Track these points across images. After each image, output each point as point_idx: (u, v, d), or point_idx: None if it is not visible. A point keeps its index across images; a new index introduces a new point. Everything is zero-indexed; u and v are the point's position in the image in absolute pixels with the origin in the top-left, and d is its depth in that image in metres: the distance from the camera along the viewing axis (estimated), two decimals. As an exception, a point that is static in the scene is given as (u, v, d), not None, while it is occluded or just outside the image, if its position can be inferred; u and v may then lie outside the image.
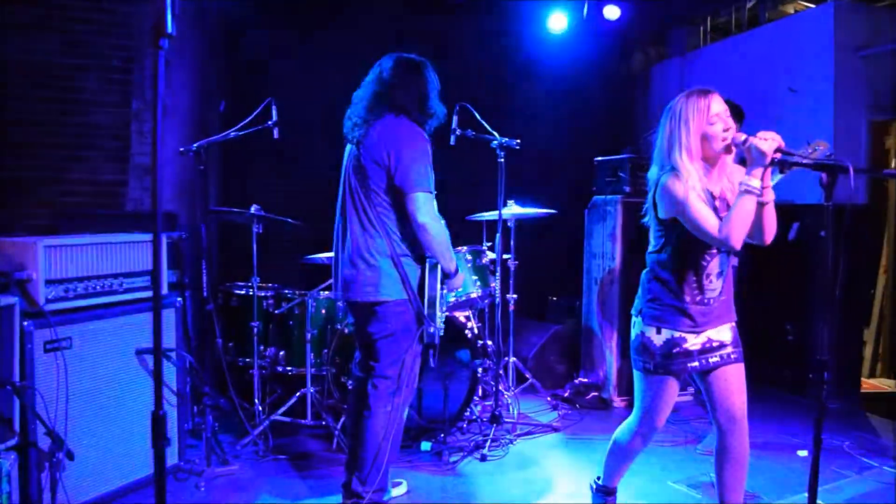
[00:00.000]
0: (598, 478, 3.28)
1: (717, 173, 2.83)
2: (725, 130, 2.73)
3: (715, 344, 2.83)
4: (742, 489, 2.93)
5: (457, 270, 3.31)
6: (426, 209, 3.09)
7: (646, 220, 2.96)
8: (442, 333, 3.30)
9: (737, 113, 4.49)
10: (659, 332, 2.85)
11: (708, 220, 2.68)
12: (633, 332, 2.96)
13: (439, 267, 3.22)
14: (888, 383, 5.93)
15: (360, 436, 3.19)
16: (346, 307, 3.47)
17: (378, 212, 3.14)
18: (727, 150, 2.76)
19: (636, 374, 2.97)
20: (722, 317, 2.87)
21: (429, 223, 3.08)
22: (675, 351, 2.82)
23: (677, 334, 2.82)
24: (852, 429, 4.75)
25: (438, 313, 3.21)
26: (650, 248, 2.96)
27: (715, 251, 2.79)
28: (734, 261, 4.47)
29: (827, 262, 2.32)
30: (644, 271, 2.97)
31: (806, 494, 2.43)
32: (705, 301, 2.82)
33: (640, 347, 2.90)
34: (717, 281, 2.83)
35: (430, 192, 3.13)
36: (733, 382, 2.85)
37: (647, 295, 2.91)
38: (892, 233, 6.16)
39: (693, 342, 2.82)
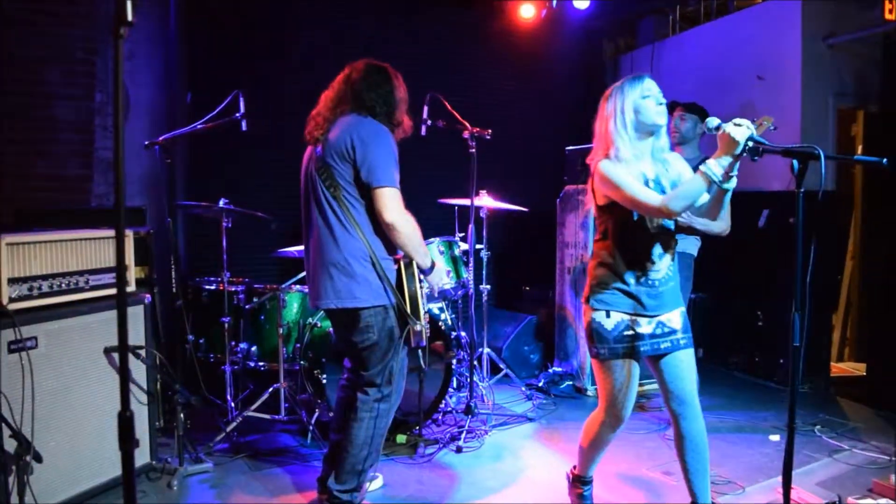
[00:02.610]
0: (574, 467, 3.30)
1: (652, 157, 2.92)
2: (658, 104, 2.83)
3: (666, 329, 2.89)
4: (707, 471, 2.99)
5: (433, 265, 3.23)
6: (393, 206, 2.96)
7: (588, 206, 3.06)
8: (428, 332, 3.25)
9: (703, 114, 4.54)
10: (608, 315, 2.88)
11: (645, 192, 2.75)
12: (585, 320, 2.99)
13: (415, 264, 3.14)
14: (856, 367, 6.02)
15: (345, 438, 3.14)
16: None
17: (350, 211, 3.01)
18: (652, 133, 2.87)
19: (594, 364, 2.99)
20: (671, 303, 2.92)
21: (397, 220, 2.96)
22: (627, 333, 2.87)
23: (627, 317, 2.87)
24: (822, 412, 4.83)
25: (422, 311, 3.13)
26: (594, 237, 3.03)
27: (655, 232, 2.86)
28: (692, 249, 4.51)
29: (797, 249, 2.33)
30: (591, 260, 3.02)
31: (780, 479, 2.44)
32: (650, 283, 2.86)
33: (593, 334, 2.92)
34: (660, 262, 2.87)
35: (397, 188, 3.00)
36: (684, 368, 2.92)
37: (594, 281, 2.95)
38: (858, 219, 6.25)
39: (644, 326, 2.87)
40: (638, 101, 2.83)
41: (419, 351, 3.28)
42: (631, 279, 2.86)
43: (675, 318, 2.92)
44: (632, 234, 2.85)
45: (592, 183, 2.94)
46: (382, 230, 3.04)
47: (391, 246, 3.09)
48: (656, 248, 2.87)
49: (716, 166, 2.61)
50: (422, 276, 3.21)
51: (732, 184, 2.70)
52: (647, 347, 2.87)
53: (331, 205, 3.03)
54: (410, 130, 3.29)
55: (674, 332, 2.90)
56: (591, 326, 2.92)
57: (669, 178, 2.92)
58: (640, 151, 2.87)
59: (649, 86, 2.85)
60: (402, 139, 3.22)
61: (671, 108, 4.73)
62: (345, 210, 3.01)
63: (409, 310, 3.07)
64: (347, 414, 3.19)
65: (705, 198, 2.77)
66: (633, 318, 2.87)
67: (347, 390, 3.31)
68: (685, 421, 2.92)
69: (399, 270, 3.11)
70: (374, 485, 3.62)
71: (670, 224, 2.92)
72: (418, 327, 3.10)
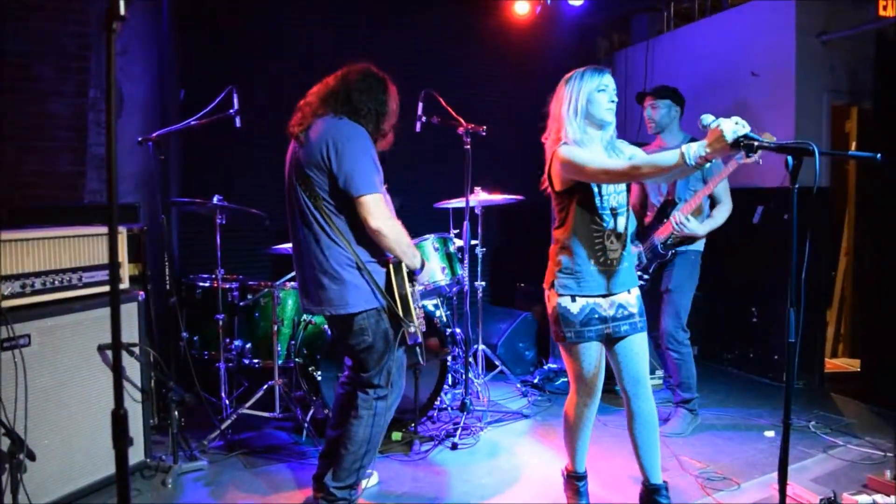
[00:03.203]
0: (567, 464, 3.33)
1: (602, 146, 2.98)
2: (610, 101, 2.93)
3: (625, 312, 3.01)
4: (657, 450, 3.12)
5: (423, 265, 3.24)
6: (377, 212, 2.94)
7: (544, 188, 3.12)
8: (424, 330, 3.25)
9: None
10: (574, 300, 2.96)
11: (611, 161, 2.87)
12: (550, 306, 3.05)
13: (404, 265, 3.13)
14: (850, 363, 6.04)
15: (344, 436, 3.14)
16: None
17: (331, 219, 3.00)
18: (603, 126, 2.96)
19: (560, 348, 3.08)
20: (626, 282, 3.02)
21: (383, 226, 2.95)
22: (592, 317, 2.96)
23: (592, 301, 2.96)
24: (817, 408, 4.84)
25: (414, 312, 3.13)
26: (553, 225, 3.09)
27: (610, 212, 2.95)
28: (699, 245, 4.51)
29: (791, 245, 2.33)
30: (552, 245, 3.09)
31: (775, 475, 2.45)
32: (608, 262, 2.96)
33: (559, 318, 2.99)
34: (617, 242, 2.98)
35: (379, 193, 2.97)
36: (638, 351, 3.05)
37: (556, 266, 3.02)
38: (852, 215, 6.27)
39: (606, 309, 2.98)
40: (592, 93, 2.91)
41: (416, 348, 3.28)
42: (592, 262, 2.95)
43: (632, 299, 3.04)
44: (591, 216, 2.94)
45: (550, 168, 2.99)
46: (367, 235, 3.02)
47: (377, 249, 3.08)
48: (614, 228, 2.97)
49: (696, 147, 2.55)
50: (412, 278, 3.21)
51: (695, 168, 2.61)
52: (609, 330, 2.99)
53: (313, 214, 3.02)
54: (390, 145, 3.27)
55: (632, 315, 3.02)
56: (557, 311, 2.99)
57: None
58: (588, 139, 2.95)
59: (607, 81, 2.93)
60: (383, 149, 3.22)
61: (640, 98, 4.73)
62: (327, 219, 3.00)
63: (400, 311, 3.07)
64: (347, 411, 3.20)
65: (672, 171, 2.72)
66: (597, 300, 2.96)
67: (347, 388, 3.32)
68: (638, 400, 3.06)
69: (388, 273, 3.11)
70: (370, 482, 3.61)
71: (624, 204, 3.01)
72: (412, 328, 3.11)
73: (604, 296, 2.98)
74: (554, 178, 3.00)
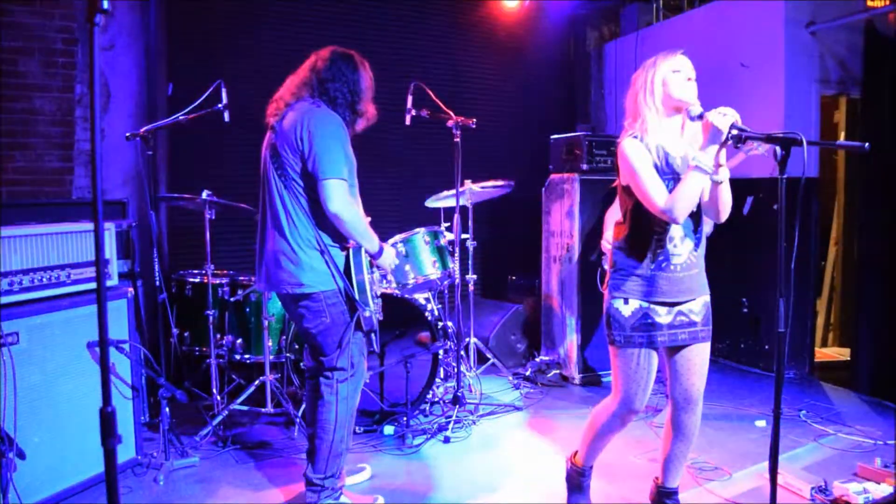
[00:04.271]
0: (575, 453, 3.21)
1: (685, 133, 2.80)
2: (687, 80, 2.75)
3: (686, 320, 2.81)
4: (685, 460, 3.03)
5: (381, 249, 3.22)
6: (337, 197, 2.94)
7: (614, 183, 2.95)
8: (380, 317, 3.25)
9: None
10: (626, 302, 2.80)
11: (654, 190, 2.65)
12: (604, 306, 2.89)
13: (363, 250, 3.15)
14: (841, 352, 6.07)
15: (315, 425, 3.15)
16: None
17: (299, 200, 3.03)
18: (681, 110, 2.75)
19: (611, 350, 2.90)
20: (693, 290, 2.82)
21: (341, 211, 2.95)
22: (644, 322, 2.78)
23: (646, 305, 2.78)
24: (807, 397, 4.87)
25: (370, 297, 3.13)
26: (616, 220, 2.94)
27: None
28: (708, 228, 4.49)
29: (780, 235, 2.33)
30: (612, 244, 2.93)
31: (766, 464, 2.46)
32: (671, 268, 2.76)
33: (610, 320, 2.84)
34: (681, 245, 2.77)
35: (343, 179, 2.97)
36: (697, 363, 2.87)
37: (612, 266, 2.87)
38: (841, 205, 6.29)
39: (663, 316, 2.79)
40: (668, 75, 2.75)
41: (371, 334, 3.28)
42: (649, 264, 2.77)
43: (698, 307, 2.84)
44: (652, 215, 2.71)
45: (617, 160, 2.83)
46: (328, 220, 3.02)
47: (337, 234, 3.08)
48: (677, 230, 2.76)
49: (704, 157, 2.57)
50: (371, 262, 3.22)
51: (724, 175, 2.68)
52: (664, 338, 2.80)
53: (280, 194, 3.05)
54: (375, 119, 3.27)
55: (693, 324, 2.83)
56: (609, 312, 2.85)
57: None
58: (667, 127, 2.76)
59: (680, 61, 2.79)
60: (365, 129, 3.25)
61: None
62: (293, 199, 3.03)
63: (357, 295, 3.07)
64: (315, 400, 3.19)
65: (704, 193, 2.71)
66: (652, 305, 2.78)
67: (311, 380, 3.30)
68: (685, 414, 2.91)
69: (347, 257, 3.12)
70: (363, 476, 3.61)
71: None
72: (367, 313, 3.11)
73: (662, 303, 2.78)
74: (620, 172, 2.82)
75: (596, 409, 3.04)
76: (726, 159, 2.66)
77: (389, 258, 3.29)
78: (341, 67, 3.12)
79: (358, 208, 3.13)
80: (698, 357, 2.86)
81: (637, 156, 2.70)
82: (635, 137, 2.74)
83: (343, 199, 2.97)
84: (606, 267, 2.94)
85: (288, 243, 3.03)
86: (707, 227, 2.93)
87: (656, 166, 2.70)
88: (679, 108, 2.75)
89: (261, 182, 3.19)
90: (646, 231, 2.77)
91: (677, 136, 2.79)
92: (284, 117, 3.07)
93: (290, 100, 3.11)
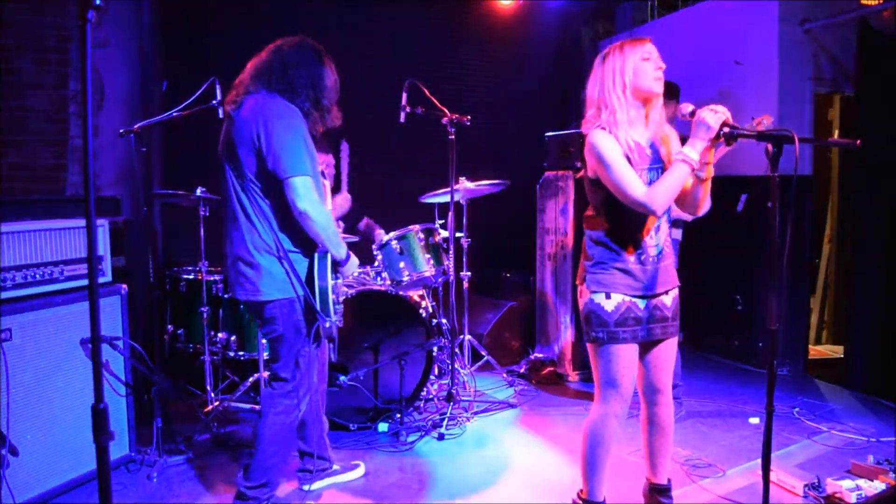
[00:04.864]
0: (580, 491, 2.97)
1: (650, 123, 2.76)
2: (657, 69, 2.68)
3: (659, 314, 2.80)
4: (670, 453, 3.02)
5: (348, 257, 3.09)
6: (304, 195, 2.81)
7: (579, 175, 2.91)
8: (340, 325, 3.12)
9: (671, 91, 4.50)
10: (609, 297, 2.73)
11: (630, 182, 2.61)
12: (582, 302, 2.82)
13: (329, 256, 3.00)
14: (834, 349, 6.09)
15: (252, 434, 3.04)
16: None
17: (256, 201, 2.89)
18: (648, 102, 2.71)
19: (590, 349, 2.82)
20: (667, 281, 2.81)
21: (310, 210, 2.82)
22: (628, 317, 2.74)
23: (628, 299, 2.74)
24: (801, 395, 4.88)
25: (332, 306, 2.98)
26: (585, 212, 2.87)
27: None
28: (677, 234, 4.48)
29: (774, 233, 2.34)
30: (584, 237, 2.86)
31: (759, 461, 2.47)
32: (648, 259, 2.73)
33: (590, 316, 2.77)
34: (656, 236, 2.75)
35: (309, 176, 2.84)
36: (665, 359, 2.89)
37: (589, 260, 2.80)
38: (835, 202, 6.30)
39: (642, 309, 2.77)
40: (638, 64, 2.66)
41: (330, 344, 3.20)
42: (629, 256, 2.73)
43: (669, 301, 2.83)
44: (625, 207, 2.67)
45: (584, 151, 2.76)
46: (291, 222, 2.90)
47: (303, 238, 2.95)
48: (652, 221, 2.73)
49: (691, 151, 2.57)
50: (336, 269, 3.10)
51: (709, 173, 2.68)
52: (643, 333, 2.77)
53: (238, 195, 2.93)
54: (338, 122, 3.13)
55: (665, 318, 2.82)
56: (589, 309, 2.76)
57: (666, 153, 2.77)
58: (634, 117, 2.71)
59: (649, 49, 2.69)
60: (330, 128, 3.12)
61: None
62: (252, 202, 2.91)
63: (318, 305, 2.94)
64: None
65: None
66: (633, 299, 2.75)
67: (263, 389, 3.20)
68: (657, 407, 2.94)
69: (311, 262, 2.99)
70: (356, 473, 3.61)
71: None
72: (328, 324, 2.97)
73: (641, 296, 2.75)
74: (587, 160, 2.74)
75: (587, 427, 2.89)
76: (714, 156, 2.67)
77: (354, 266, 3.15)
78: (307, 56, 3.00)
79: (326, 208, 2.99)
80: (667, 352, 2.88)
81: (609, 148, 2.64)
82: (604, 129, 2.69)
83: (311, 196, 2.85)
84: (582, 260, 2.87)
85: (246, 248, 2.92)
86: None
87: (628, 158, 2.66)
88: (647, 98, 2.71)
89: (221, 180, 3.04)
90: (624, 223, 2.72)
91: (643, 126, 2.75)
92: (242, 107, 2.93)
93: (250, 86, 2.97)
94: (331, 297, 2.98)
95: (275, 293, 2.92)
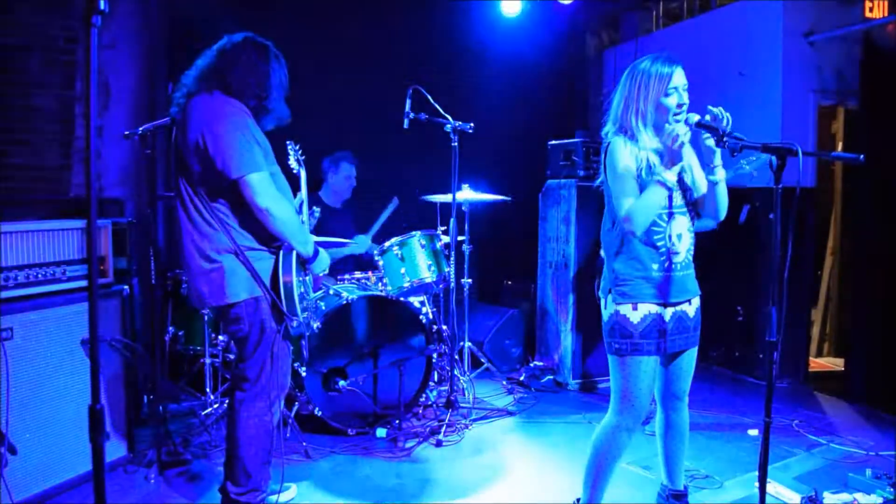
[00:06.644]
0: (578, 500, 2.98)
1: (659, 156, 2.74)
2: (678, 106, 2.69)
3: (682, 325, 2.79)
4: (683, 458, 3.06)
5: (317, 252, 3.00)
6: (262, 191, 2.74)
7: (598, 182, 2.88)
8: (318, 323, 3.05)
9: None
10: (635, 308, 2.70)
11: (625, 196, 2.64)
12: (605, 314, 2.80)
13: (295, 253, 2.92)
14: (835, 362, 6.08)
15: (227, 439, 2.98)
16: None
17: (207, 202, 2.81)
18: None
19: (611, 360, 2.78)
20: (689, 290, 2.80)
21: (271, 206, 2.75)
22: (654, 329, 2.71)
23: (654, 310, 2.71)
24: (801, 407, 4.87)
25: (298, 304, 2.90)
26: (605, 224, 2.85)
27: (666, 213, 2.72)
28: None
29: (776, 244, 2.35)
30: (604, 247, 2.84)
31: (756, 473, 2.46)
32: (672, 267, 2.71)
33: (615, 328, 2.73)
34: (679, 244, 2.73)
35: (263, 171, 2.76)
36: (686, 368, 2.90)
37: (614, 271, 2.76)
38: (838, 215, 6.30)
39: (667, 321, 2.75)
40: (660, 99, 2.68)
41: (300, 341, 3.16)
42: (654, 265, 2.70)
43: (692, 310, 2.83)
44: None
45: (604, 157, 2.76)
46: (252, 221, 2.83)
47: (265, 236, 2.87)
48: (675, 227, 2.73)
49: (665, 172, 2.59)
50: (304, 266, 3.02)
51: (720, 175, 2.69)
52: (666, 345, 2.75)
53: (190, 195, 2.85)
54: (286, 121, 3.05)
55: (688, 328, 2.81)
56: (615, 320, 2.73)
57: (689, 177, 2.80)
58: (653, 140, 2.73)
59: (677, 81, 2.69)
60: (279, 126, 3.04)
61: None
62: (204, 201, 2.83)
63: (284, 304, 2.86)
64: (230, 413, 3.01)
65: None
66: (659, 309, 2.72)
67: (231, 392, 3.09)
68: (674, 413, 2.97)
69: (276, 261, 2.90)
70: (287, 496, 3.41)
71: (682, 205, 2.77)
72: (295, 323, 2.91)
73: (664, 304, 2.73)
74: (607, 167, 2.74)
75: (597, 437, 2.87)
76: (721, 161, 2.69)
77: (324, 264, 3.07)
78: (251, 56, 2.91)
79: (288, 203, 2.90)
80: (687, 363, 2.90)
81: (624, 157, 2.67)
82: (626, 136, 2.72)
83: (269, 191, 2.77)
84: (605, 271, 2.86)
85: (206, 248, 2.84)
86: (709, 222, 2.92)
87: (639, 176, 2.68)
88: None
89: (175, 183, 2.96)
90: (648, 231, 2.69)
91: (654, 158, 2.74)
92: (184, 111, 2.85)
93: (192, 87, 2.89)
94: (296, 294, 2.89)
95: (241, 293, 2.84)
